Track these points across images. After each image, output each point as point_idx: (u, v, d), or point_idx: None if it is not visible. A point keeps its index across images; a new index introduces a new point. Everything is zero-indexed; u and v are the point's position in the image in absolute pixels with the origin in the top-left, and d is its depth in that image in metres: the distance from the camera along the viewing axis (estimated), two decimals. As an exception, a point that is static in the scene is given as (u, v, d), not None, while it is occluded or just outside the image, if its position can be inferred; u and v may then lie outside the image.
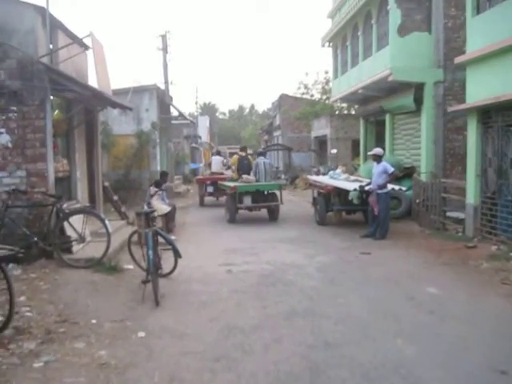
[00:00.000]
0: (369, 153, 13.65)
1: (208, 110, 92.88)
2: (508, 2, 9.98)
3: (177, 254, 7.97)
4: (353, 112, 32.03)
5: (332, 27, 22.06)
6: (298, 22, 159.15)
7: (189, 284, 7.99)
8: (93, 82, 11.52)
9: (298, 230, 13.48)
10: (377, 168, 12.09)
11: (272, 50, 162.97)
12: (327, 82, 35.15)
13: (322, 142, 31.64)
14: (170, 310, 6.62)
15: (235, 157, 17.67)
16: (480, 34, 11.24)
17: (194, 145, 45.67)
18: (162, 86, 25.55)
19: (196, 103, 60.42)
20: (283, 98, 41.47)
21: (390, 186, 12.24)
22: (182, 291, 7.59)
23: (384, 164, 12.03)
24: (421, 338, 5.49)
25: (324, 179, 15.32)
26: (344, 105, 33.71)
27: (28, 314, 6.12)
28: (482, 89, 11.10)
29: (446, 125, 15.62)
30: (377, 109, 19.25)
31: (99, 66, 10.44)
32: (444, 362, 4.88)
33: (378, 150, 12.38)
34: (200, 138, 50.32)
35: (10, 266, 7.48)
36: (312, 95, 36.62)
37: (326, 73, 34.69)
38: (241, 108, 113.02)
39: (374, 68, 17.00)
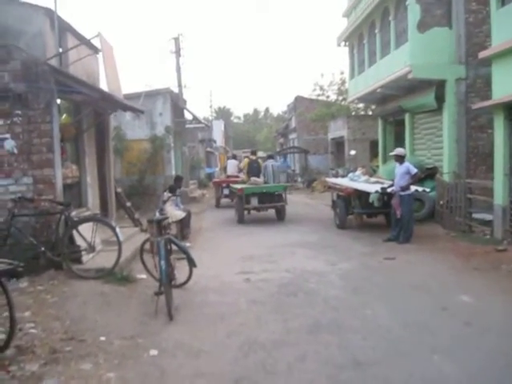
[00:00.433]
0: (390, 153, 13.13)
1: (223, 114, 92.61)
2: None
3: (191, 263, 7.55)
4: (370, 113, 31.46)
5: (348, 26, 21.57)
6: (312, 23, 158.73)
7: (205, 294, 7.54)
8: (104, 85, 11.24)
9: (318, 235, 12.98)
10: (399, 169, 11.56)
11: (286, 52, 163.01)
12: (343, 83, 34.59)
13: (339, 144, 31.08)
14: (185, 325, 6.18)
15: (246, 160, 18.38)
16: (506, 27, 10.69)
17: (208, 149, 45.36)
18: (176, 90, 25.22)
19: (210, 107, 60.10)
20: (298, 99, 40.98)
21: (413, 188, 11.71)
22: (197, 303, 7.15)
23: (407, 165, 11.50)
24: (460, 354, 4.98)
25: (343, 181, 14.80)
26: (360, 105, 33.15)
27: (32, 330, 5.70)
28: (509, 84, 10.54)
29: (469, 123, 15.03)
30: (396, 108, 18.67)
31: (109, 67, 10.07)
32: (489, 382, 4.37)
33: (400, 150, 11.85)
34: (215, 142, 50.01)
35: (14, 279, 7.08)
36: (328, 96, 36.14)
37: (342, 73, 34.21)
38: (255, 111, 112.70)
39: (392, 66, 16.45)
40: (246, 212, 16.18)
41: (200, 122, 30.56)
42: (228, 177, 22.44)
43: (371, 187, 12.77)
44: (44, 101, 8.16)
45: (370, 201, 13.25)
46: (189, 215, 12.94)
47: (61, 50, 11.75)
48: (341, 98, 35.31)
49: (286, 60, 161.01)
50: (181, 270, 7.82)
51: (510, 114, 10.81)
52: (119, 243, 8.03)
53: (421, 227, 12.88)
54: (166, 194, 12.19)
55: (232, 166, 23.37)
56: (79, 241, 8.23)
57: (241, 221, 15.76)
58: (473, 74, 14.90)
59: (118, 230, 8.17)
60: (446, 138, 15.10)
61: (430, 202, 14.22)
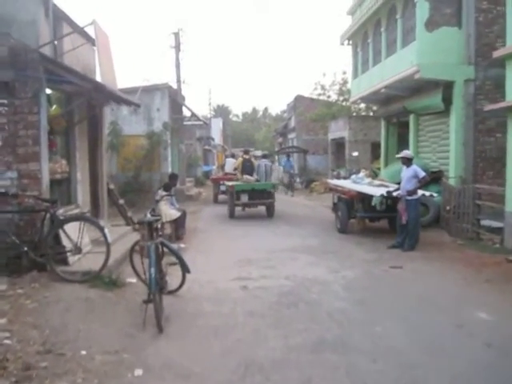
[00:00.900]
0: (397, 155, 12.57)
1: (221, 112, 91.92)
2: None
3: (185, 269, 7.01)
4: (371, 113, 30.91)
5: (352, 24, 21.01)
6: (314, 21, 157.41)
7: (198, 303, 6.98)
8: (99, 77, 10.67)
9: (318, 239, 12.42)
10: (406, 172, 11.01)
11: (287, 50, 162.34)
12: (345, 83, 34.00)
13: (339, 145, 30.51)
14: (175, 339, 5.60)
15: (240, 159, 19.39)
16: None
17: (206, 147, 44.78)
18: (174, 86, 24.64)
19: (209, 104, 59.41)
20: (299, 99, 40.37)
21: (420, 192, 11.16)
22: (190, 312, 6.58)
23: (414, 168, 10.96)
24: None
25: (346, 183, 14.23)
26: (362, 106, 32.57)
27: (7, 341, 5.12)
28: (523, 85, 10.02)
29: (477, 126, 14.50)
30: (400, 109, 18.13)
31: (103, 57, 9.49)
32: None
33: (407, 153, 11.31)
34: (213, 140, 49.41)
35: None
36: (329, 96, 35.48)
37: (344, 73, 33.59)
38: (254, 110, 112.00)
39: (398, 65, 15.92)
40: (240, 209, 17.27)
41: (198, 119, 29.95)
42: (226, 174, 22.92)
43: (376, 190, 12.21)
44: (32, 90, 7.57)
45: (373, 204, 12.73)
46: (184, 215, 12.38)
47: (56, 42, 11.29)
48: (342, 98, 34.70)
49: (286, 59, 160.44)
50: (173, 275, 7.28)
51: (523, 117, 10.30)
52: (107, 245, 7.45)
53: (425, 233, 12.32)
54: (160, 193, 11.66)
55: (230, 164, 23.52)
56: (65, 241, 7.65)
57: (231, 216, 16.79)
58: (482, 75, 14.38)
59: (106, 230, 7.58)
60: (453, 141, 14.56)
61: (434, 208, 13.69)
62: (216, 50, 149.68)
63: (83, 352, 5.05)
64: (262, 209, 17.46)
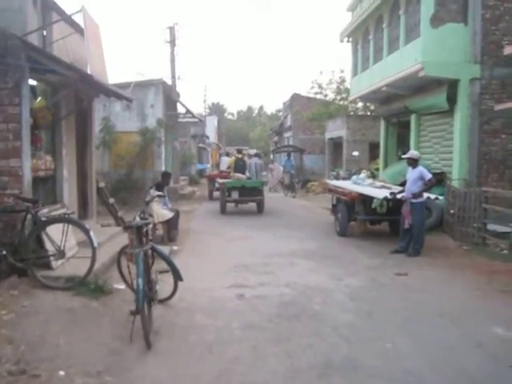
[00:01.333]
0: (403, 156, 12.03)
1: (216, 110, 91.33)
2: None
3: (177, 276, 6.45)
4: (368, 113, 30.40)
5: (352, 20, 20.42)
6: (311, 20, 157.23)
7: (191, 314, 6.40)
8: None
9: (317, 242, 11.87)
10: (412, 173, 10.47)
11: (283, 48, 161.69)
12: (342, 82, 33.47)
13: (336, 144, 29.99)
14: (165, 357, 5.02)
15: (232, 158, 20.66)
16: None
17: (201, 145, 44.21)
18: (169, 81, 24.06)
19: (204, 102, 58.73)
20: (295, 97, 39.82)
21: (425, 195, 10.63)
22: (182, 325, 5.99)
23: (420, 169, 10.42)
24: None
25: (346, 184, 13.67)
26: (359, 105, 32.05)
27: (-25, 359, 4.57)
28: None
29: (482, 127, 13.96)
30: (401, 109, 17.58)
31: (93, 47, 8.90)
32: None
33: (413, 153, 10.75)
34: (208, 138, 48.86)
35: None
36: (326, 95, 34.93)
37: (342, 72, 33.03)
38: (249, 109, 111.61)
39: (401, 63, 15.36)
40: (233, 205, 18.65)
41: (193, 117, 29.37)
42: (221, 172, 23.73)
43: (378, 192, 11.68)
44: (12, 80, 7.01)
45: (373, 206, 12.22)
46: (177, 215, 11.82)
47: (45, 32, 10.72)
48: (339, 97, 34.16)
49: (282, 57, 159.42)
50: (165, 282, 6.72)
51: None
52: (93, 249, 6.88)
53: (429, 238, 11.71)
54: (152, 192, 11.11)
55: (225, 162, 24.45)
56: (48, 244, 7.07)
57: (223, 211, 17.73)
58: (488, 74, 13.84)
59: (92, 233, 7.00)
60: (457, 142, 14.02)
61: (437, 211, 13.18)
62: (211, 48, 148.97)
63: (61, 373, 4.50)
64: (259, 210, 18.10)
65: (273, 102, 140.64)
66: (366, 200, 12.07)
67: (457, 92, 13.99)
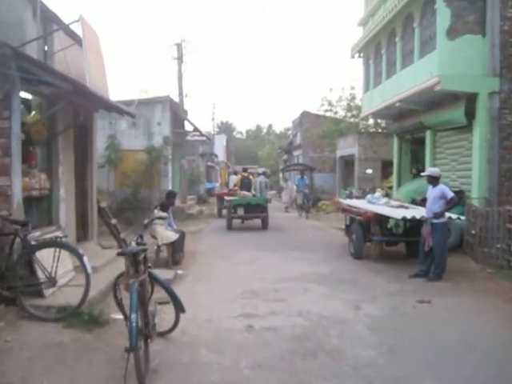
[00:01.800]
0: (422, 173, 11.37)
1: (225, 128, 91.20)
2: None
3: (179, 308, 5.79)
4: (379, 130, 29.76)
5: (364, 35, 19.93)
6: (320, 37, 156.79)
7: (194, 350, 5.72)
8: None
9: (331, 265, 11.18)
10: (432, 192, 9.80)
11: (291, 67, 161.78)
12: (352, 99, 32.92)
13: (347, 162, 29.36)
14: (163, 405, 4.38)
15: (239, 176, 21.93)
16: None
17: (209, 163, 43.72)
18: (176, 99, 23.61)
19: (213, 120, 58.29)
20: (305, 115, 39.30)
21: (446, 215, 9.95)
22: (183, 363, 5.31)
23: (441, 187, 9.75)
24: None
25: (361, 204, 12.98)
26: (370, 122, 31.43)
27: None
28: None
29: (502, 142, 13.30)
30: (415, 125, 16.96)
31: (92, 58, 8.36)
32: None
33: (433, 171, 10.06)
34: (216, 156, 48.40)
35: None
36: (336, 112, 34.34)
37: (352, 88, 32.46)
38: (258, 128, 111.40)
39: (415, 77, 14.78)
40: (240, 222, 19.28)
41: (201, 134, 28.94)
42: (230, 190, 24.17)
43: (396, 212, 11.00)
44: (2, 91, 6.47)
45: (389, 226, 11.57)
46: (182, 237, 11.21)
47: (46, 47, 10.29)
48: (349, 114, 33.58)
49: (291, 75, 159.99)
50: (166, 313, 6.09)
51: None
52: (87, 276, 6.27)
53: (449, 259, 10.92)
54: (156, 213, 10.52)
55: (233, 181, 25.14)
56: (38, 271, 6.46)
57: (229, 227, 18.34)
58: (507, 87, 13.23)
59: (85, 258, 6.39)
60: (477, 158, 13.34)
61: (456, 231, 12.46)
62: (220, 66, 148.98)
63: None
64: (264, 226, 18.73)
65: (281, 121, 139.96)
66: (383, 220, 11.42)
67: (475, 106, 13.37)
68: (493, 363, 5.36)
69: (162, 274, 9.50)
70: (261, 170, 27.49)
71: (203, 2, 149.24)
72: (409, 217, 10.29)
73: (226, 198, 20.12)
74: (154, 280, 5.68)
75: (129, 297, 4.70)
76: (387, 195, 16.68)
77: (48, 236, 7.36)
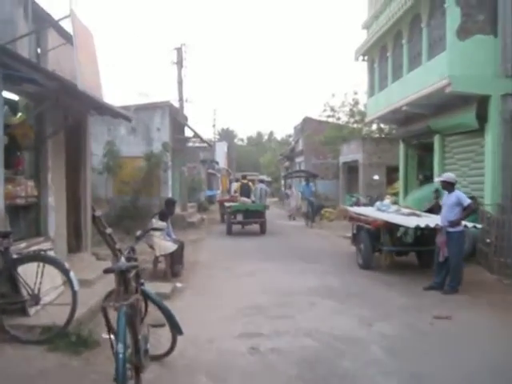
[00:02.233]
0: (436, 179, 10.80)
1: (226, 135, 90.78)
2: None
3: (176, 330, 5.20)
4: (383, 136, 29.13)
5: (368, 38, 19.37)
6: (322, 44, 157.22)
7: (192, 377, 5.10)
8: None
9: (338, 277, 10.55)
10: (447, 199, 9.21)
11: (292, 74, 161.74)
12: (355, 104, 32.31)
13: (351, 169, 28.73)
14: None
15: (238, 183, 22.48)
16: None
17: (210, 170, 43.12)
18: (176, 104, 23.06)
19: (214, 126, 57.72)
20: (307, 121, 38.67)
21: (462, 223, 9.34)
22: (180, 395, 4.74)
23: (457, 194, 9.15)
24: None
25: (370, 212, 12.34)
26: (373, 128, 30.82)
27: None
28: None
29: (515, 147, 12.70)
30: (423, 129, 16.36)
31: (83, 56, 7.76)
32: None
33: (449, 176, 9.42)
34: (217, 163, 47.82)
35: None
36: (339, 118, 33.70)
37: (355, 94, 31.85)
38: (259, 134, 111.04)
39: (424, 80, 14.21)
40: (241, 227, 20.26)
41: (202, 141, 28.36)
42: (231, 197, 25.31)
43: (408, 220, 10.39)
44: (-19, 90, 5.91)
45: (398, 235, 10.98)
46: (181, 247, 10.64)
47: (39, 49, 9.80)
48: (352, 120, 32.96)
49: (292, 81, 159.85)
50: (162, 335, 5.50)
51: None
52: (73, 293, 5.68)
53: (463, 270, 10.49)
54: (155, 222, 9.97)
55: (234, 187, 25.77)
56: (21, 287, 5.86)
57: (228, 232, 19.40)
58: (520, 89, 12.65)
59: (72, 274, 5.79)
60: (490, 163, 12.73)
61: (469, 239, 11.80)
62: (220, 72, 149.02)
63: None
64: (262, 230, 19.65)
65: (283, 127, 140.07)
66: (393, 229, 10.83)
67: (487, 109, 12.79)
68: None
69: (160, 287, 8.97)
70: (262, 177, 27.21)
71: (205, 7, 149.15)
72: (422, 225, 9.69)
73: (226, 204, 21.09)
74: (147, 298, 5.09)
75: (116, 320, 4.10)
76: (395, 202, 16.09)
77: (35, 248, 6.78)
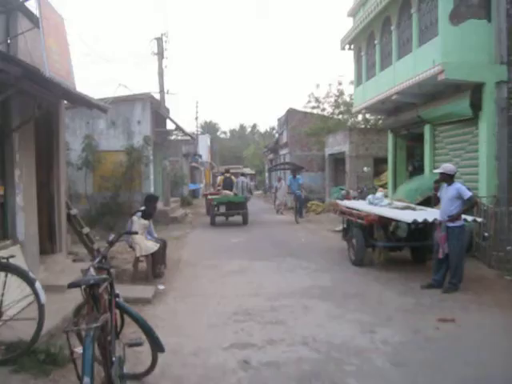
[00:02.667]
0: (435, 170, 10.26)
1: (209, 128, 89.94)
2: None
3: (157, 347, 4.56)
4: (368, 126, 28.62)
5: (354, 26, 18.74)
6: (304, 34, 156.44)
7: (176, 400, 4.52)
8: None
9: (331, 275, 9.98)
10: (447, 192, 8.64)
11: (275, 65, 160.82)
12: (341, 95, 31.72)
13: (337, 160, 28.21)
14: None
15: (221, 177, 23.00)
16: None
17: (193, 164, 42.37)
18: (157, 96, 22.31)
19: (196, 119, 56.83)
20: (291, 112, 38.00)
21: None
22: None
23: (457, 186, 8.58)
24: None
25: (362, 206, 11.75)
26: (359, 118, 30.33)
27: None
28: None
29: (511, 136, 12.21)
30: (413, 119, 15.84)
31: (52, 41, 7.06)
32: None
33: (448, 167, 8.81)
34: (200, 156, 47.03)
35: None
36: (323, 109, 33.08)
37: (340, 84, 31.28)
38: (242, 127, 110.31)
39: (414, 67, 13.68)
40: (224, 219, 21.75)
41: (185, 134, 27.59)
42: (218, 190, 24.46)
43: (404, 215, 9.81)
44: None
45: (391, 229, 10.44)
46: (163, 247, 9.99)
47: (9, 40, 9.05)
48: (337, 111, 32.38)
49: (275, 72, 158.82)
50: (140, 351, 4.87)
51: None
52: (40, 307, 5.00)
53: (461, 266, 9.98)
54: (136, 219, 9.35)
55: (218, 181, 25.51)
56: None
57: (213, 223, 20.54)
58: (515, 76, 12.15)
59: (38, 284, 5.12)
60: (484, 153, 12.23)
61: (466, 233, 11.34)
62: (202, 64, 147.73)
63: None
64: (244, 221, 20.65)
65: (266, 120, 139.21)
66: (387, 224, 10.27)
67: (481, 97, 12.30)
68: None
69: (141, 291, 8.36)
70: (246, 171, 26.91)
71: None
72: (420, 220, 9.12)
73: (209, 196, 22.28)
74: (124, 312, 4.45)
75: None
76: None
77: (1, 252, 6.08)
